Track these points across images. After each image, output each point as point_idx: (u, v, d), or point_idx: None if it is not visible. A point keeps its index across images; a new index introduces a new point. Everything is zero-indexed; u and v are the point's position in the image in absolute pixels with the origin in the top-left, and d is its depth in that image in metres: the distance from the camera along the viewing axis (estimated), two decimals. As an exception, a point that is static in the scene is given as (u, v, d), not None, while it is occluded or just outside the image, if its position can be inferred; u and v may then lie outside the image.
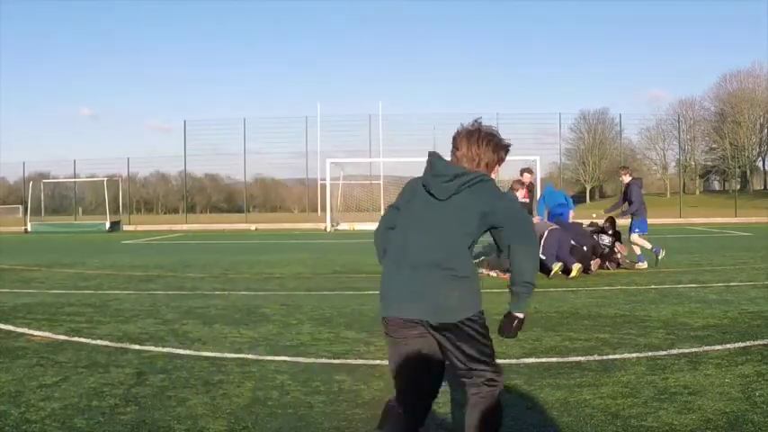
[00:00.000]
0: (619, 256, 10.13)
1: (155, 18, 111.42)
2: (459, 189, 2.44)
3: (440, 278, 2.42)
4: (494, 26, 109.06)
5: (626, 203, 10.61)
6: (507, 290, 2.57)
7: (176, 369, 4.46)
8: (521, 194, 9.59)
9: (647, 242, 10.42)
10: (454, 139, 2.58)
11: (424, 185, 2.52)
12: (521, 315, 2.54)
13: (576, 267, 8.88)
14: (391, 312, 2.50)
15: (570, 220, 10.68)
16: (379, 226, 2.76)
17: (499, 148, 2.58)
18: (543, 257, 9.21)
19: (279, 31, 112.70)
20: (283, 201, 74.10)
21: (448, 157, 2.58)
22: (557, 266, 8.93)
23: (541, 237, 9.35)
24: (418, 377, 2.55)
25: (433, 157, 2.54)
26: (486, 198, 2.44)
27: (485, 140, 2.54)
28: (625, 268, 9.98)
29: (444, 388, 3.93)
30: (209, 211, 71.80)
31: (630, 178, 10.70)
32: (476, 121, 2.60)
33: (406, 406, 2.56)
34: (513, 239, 2.45)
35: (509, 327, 2.57)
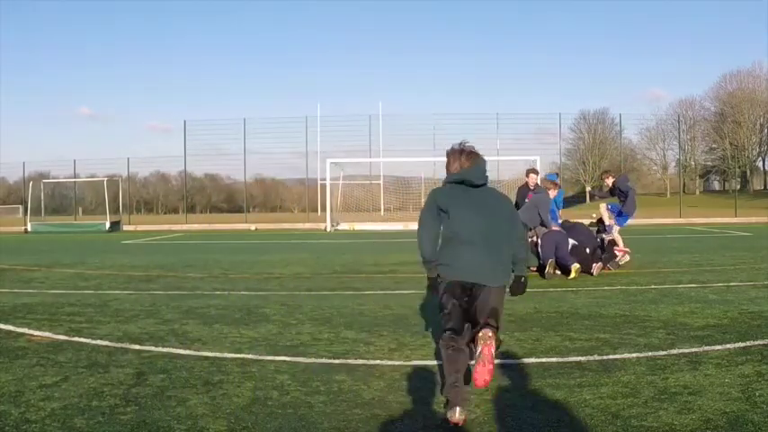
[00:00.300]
0: (618, 258, 10.10)
1: (154, 18, 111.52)
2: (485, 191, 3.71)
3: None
4: (494, 26, 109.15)
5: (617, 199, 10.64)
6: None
7: (176, 369, 4.46)
8: (553, 194, 9.77)
9: (620, 241, 10.43)
10: (447, 155, 3.77)
11: (463, 181, 3.64)
12: (525, 274, 3.80)
13: (574, 268, 8.87)
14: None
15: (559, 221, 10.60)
16: (426, 222, 3.67)
17: (478, 160, 3.76)
18: (541, 262, 9.21)
19: (279, 31, 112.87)
20: (283, 201, 74.09)
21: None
22: (550, 265, 8.93)
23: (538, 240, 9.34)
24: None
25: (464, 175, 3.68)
26: (503, 198, 3.84)
27: (465, 154, 3.70)
28: (610, 268, 9.93)
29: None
30: (210, 211, 71.82)
31: (613, 179, 10.72)
32: (461, 143, 3.75)
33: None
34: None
35: (519, 286, 3.79)
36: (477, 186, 3.62)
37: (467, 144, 3.74)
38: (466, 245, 3.51)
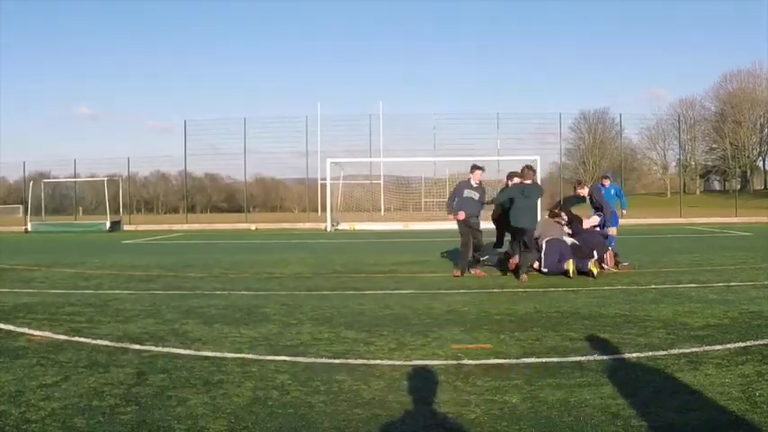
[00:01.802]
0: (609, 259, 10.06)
1: (154, 18, 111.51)
2: (533, 189, 9.32)
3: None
4: (494, 26, 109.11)
5: (595, 210, 10.59)
6: (501, 290, 7.74)
7: (176, 369, 4.46)
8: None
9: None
10: (522, 170, 9.47)
11: (521, 190, 9.22)
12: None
13: (568, 262, 8.90)
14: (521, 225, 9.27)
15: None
16: (501, 198, 9.76)
17: (533, 173, 9.44)
18: (544, 270, 9.25)
19: (279, 31, 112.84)
20: (283, 200, 74.06)
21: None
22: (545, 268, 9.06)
23: (539, 240, 9.35)
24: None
25: (522, 183, 9.33)
26: (538, 189, 9.52)
27: (529, 169, 9.40)
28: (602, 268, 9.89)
29: (443, 388, 3.93)
30: (210, 210, 71.79)
31: (586, 189, 10.69)
32: (526, 165, 9.54)
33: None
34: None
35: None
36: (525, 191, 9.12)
37: (528, 166, 9.28)
38: (519, 212, 8.96)
